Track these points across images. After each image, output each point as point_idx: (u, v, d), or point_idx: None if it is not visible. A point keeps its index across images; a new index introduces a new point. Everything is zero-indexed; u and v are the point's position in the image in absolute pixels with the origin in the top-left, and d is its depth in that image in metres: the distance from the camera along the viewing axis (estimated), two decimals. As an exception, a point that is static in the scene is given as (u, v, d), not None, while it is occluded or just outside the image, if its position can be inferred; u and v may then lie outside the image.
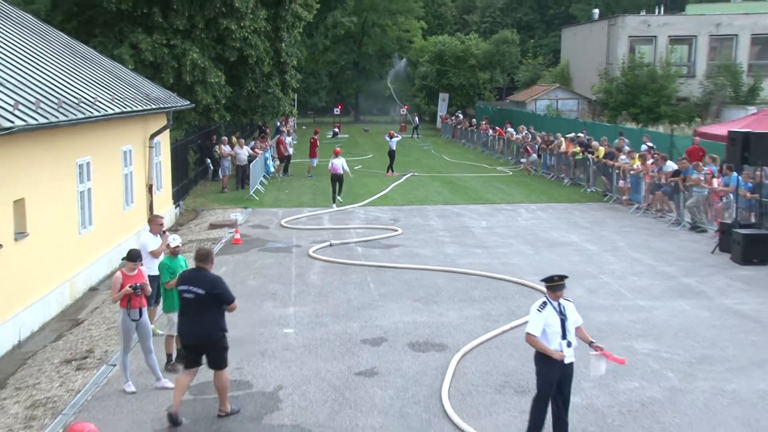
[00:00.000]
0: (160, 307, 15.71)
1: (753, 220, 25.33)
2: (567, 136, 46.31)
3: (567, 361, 11.69)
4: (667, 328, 17.89)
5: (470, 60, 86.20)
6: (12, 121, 15.77)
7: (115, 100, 24.04)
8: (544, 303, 11.72)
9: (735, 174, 26.50)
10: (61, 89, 21.22)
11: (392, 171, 46.54)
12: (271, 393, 14.25)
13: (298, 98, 71.09)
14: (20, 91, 18.33)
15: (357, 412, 13.43)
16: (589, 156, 39.94)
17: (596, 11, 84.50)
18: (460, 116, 76.24)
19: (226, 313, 13.18)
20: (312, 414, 13.38)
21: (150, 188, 28.33)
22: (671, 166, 31.89)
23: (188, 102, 34.29)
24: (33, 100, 18.17)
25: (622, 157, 36.47)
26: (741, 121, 40.49)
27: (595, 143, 41.75)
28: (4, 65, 19.63)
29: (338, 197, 37.05)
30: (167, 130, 30.58)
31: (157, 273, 15.62)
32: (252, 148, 41.46)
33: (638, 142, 41.17)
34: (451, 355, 15.92)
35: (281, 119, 56.90)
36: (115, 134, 24.66)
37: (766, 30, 68.10)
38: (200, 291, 12.83)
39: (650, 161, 33.78)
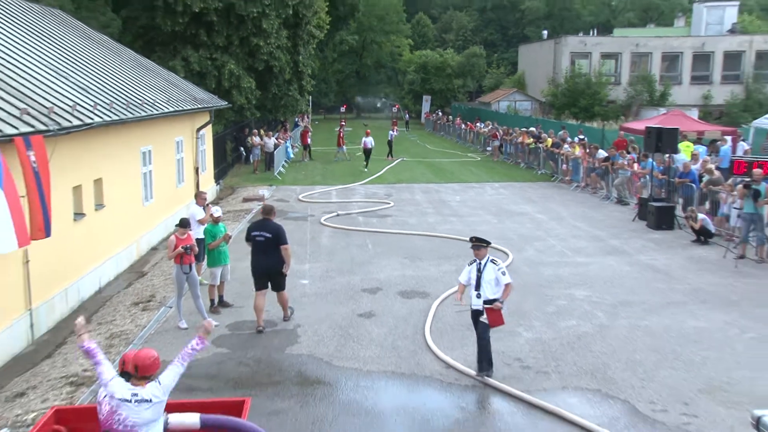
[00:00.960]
0: (204, 263, 15.63)
1: (663, 195, 25.38)
2: (523, 129, 46.49)
3: (474, 307, 11.96)
4: (597, 279, 18.00)
5: (447, 69, 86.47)
6: (92, 119, 16.28)
7: (170, 101, 24.39)
8: (473, 260, 12.02)
9: (650, 160, 26.52)
10: (129, 93, 21.54)
11: (391, 156, 46.31)
12: (291, 330, 14.35)
13: (312, 99, 71.05)
14: (98, 94, 18.77)
15: (358, 345, 13.57)
16: (540, 145, 40.07)
17: (545, 32, 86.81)
18: (440, 113, 76.44)
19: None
20: (323, 346, 13.49)
21: (196, 170, 28.31)
22: (602, 153, 32.08)
23: (226, 102, 34.55)
24: (108, 101, 18.60)
25: (566, 146, 36.63)
26: (654, 119, 40.49)
27: (544, 135, 42.18)
28: (85, 74, 20.11)
29: (366, 165, 40.87)
30: (210, 125, 30.64)
31: (202, 236, 15.71)
32: (276, 139, 41.38)
33: (576, 135, 41.28)
34: (432, 300, 16.02)
35: (299, 116, 57.32)
36: (170, 128, 24.74)
37: (672, 50, 70.31)
38: (268, 235, 14.31)
39: (577, 150, 34.05)
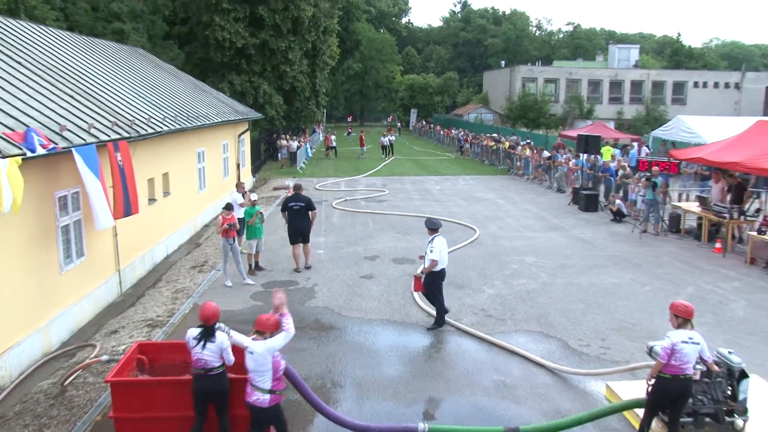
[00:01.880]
0: (244, 236, 15.63)
1: (590, 185, 25.34)
2: (487, 135, 46.40)
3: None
4: (542, 248, 17.88)
5: (429, 89, 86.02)
6: (162, 128, 16.31)
7: (218, 114, 24.19)
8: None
9: (581, 158, 26.47)
10: (188, 108, 21.44)
11: (392, 154, 46.08)
12: (309, 288, 14.25)
13: (326, 112, 70.87)
14: (166, 109, 18.78)
15: (361, 299, 13.47)
16: (500, 147, 39.88)
17: (503, 62, 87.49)
18: (423, 122, 76.09)
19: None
20: (335, 300, 13.41)
21: (238, 166, 28.12)
22: (546, 153, 31.93)
23: (260, 114, 34.38)
24: (173, 115, 18.61)
25: (519, 148, 36.54)
26: (583, 128, 40.60)
27: (503, 139, 41.91)
28: (157, 95, 20.10)
29: (383, 156, 43.55)
30: (248, 132, 30.38)
31: (242, 216, 15.59)
32: (298, 142, 41.24)
33: (525, 139, 41.31)
34: (419, 266, 15.88)
35: (316, 124, 57.23)
36: (218, 134, 24.52)
37: (595, 77, 72.04)
38: (302, 204, 15.30)
39: (527, 151, 34.00)
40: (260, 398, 7.08)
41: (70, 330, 11.60)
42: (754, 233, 16.32)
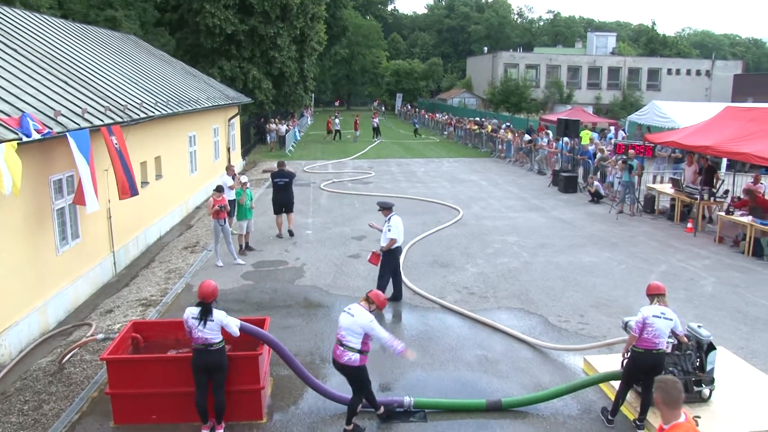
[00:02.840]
0: (235, 217, 15.57)
1: (569, 167, 25.43)
2: (470, 119, 46.34)
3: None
4: (523, 228, 17.95)
5: (414, 74, 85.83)
6: (153, 112, 16.10)
7: (209, 99, 23.92)
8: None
9: (561, 142, 26.53)
10: (181, 93, 21.23)
11: (379, 137, 46.11)
12: (299, 267, 14.24)
13: (314, 96, 70.47)
14: (158, 94, 18.54)
15: (348, 277, 13.50)
16: (483, 131, 39.85)
17: (486, 49, 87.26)
18: (408, 107, 75.81)
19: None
20: (323, 279, 13.42)
21: (228, 149, 27.94)
22: (527, 137, 31.92)
23: (250, 99, 34.02)
24: (165, 99, 18.40)
25: (501, 131, 36.53)
26: (563, 113, 40.67)
27: (485, 123, 41.81)
28: (149, 80, 19.82)
29: (374, 138, 44.23)
30: (238, 116, 30.12)
31: (233, 198, 15.55)
32: (287, 126, 41.03)
33: (512, 124, 41.27)
34: (404, 245, 15.85)
35: (304, 108, 56.98)
36: (209, 118, 24.36)
37: (574, 64, 72.05)
38: (286, 179, 16.62)
39: (509, 134, 34.01)
40: (351, 358, 7.33)
41: (66, 310, 11.55)
42: (723, 213, 16.48)
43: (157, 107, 16.78)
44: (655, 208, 20.12)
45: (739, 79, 61.56)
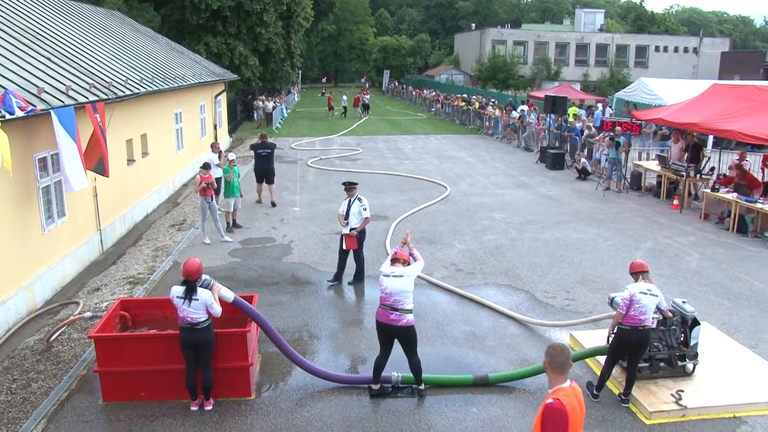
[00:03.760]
0: (222, 195, 15.50)
1: (557, 144, 25.46)
2: (458, 95, 46.21)
3: (343, 232, 11.55)
4: (510, 205, 18.00)
5: (402, 51, 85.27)
6: (139, 89, 15.86)
7: (195, 75, 23.70)
8: (346, 198, 11.62)
9: (549, 119, 26.50)
10: (166, 69, 20.98)
11: (368, 113, 45.91)
12: (286, 244, 14.23)
13: (301, 73, 69.93)
14: (143, 71, 18.28)
15: (335, 254, 13.15)
16: (470, 107, 39.74)
17: (473, 25, 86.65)
18: (396, 83, 75.46)
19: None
20: (310, 256, 13.42)
21: (215, 126, 27.70)
22: (515, 114, 31.87)
23: (236, 75, 33.82)
24: (150, 76, 18.13)
25: (489, 108, 36.45)
26: (551, 90, 40.73)
27: (473, 99, 41.71)
28: (134, 57, 19.54)
29: (362, 114, 44.43)
30: (224, 93, 29.92)
31: (220, 175, 15.54)
32: (274, 103, 40.75)
33: (501, 101, 41.16)
34: (391, 222, 15.95)
35: (291, 85, 56.62)
36: (195, 95, 24.12)
37: (562, 40, 71.94)
38: (268, 150, 17.71)
39: (497, 111, 33.87)
40: (408, 318, 7.50)
41: (53, 288, 11.49)
42: (708, 190, 16.57)
43: (142, 84, 16.57)
44: (642, 185, 20.20)
45: (727, 56, 61.66)
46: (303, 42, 54.10)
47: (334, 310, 10.61)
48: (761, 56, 57.98)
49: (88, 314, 9.45)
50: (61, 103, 11.04)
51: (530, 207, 17.83)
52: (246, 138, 33.63)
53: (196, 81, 22.75)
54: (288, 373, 8.41)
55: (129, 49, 20.25)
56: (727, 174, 17.24)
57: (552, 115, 26.03)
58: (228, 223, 15.34)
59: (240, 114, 39.60)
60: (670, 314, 7.95)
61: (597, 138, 22.85)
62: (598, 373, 8.02)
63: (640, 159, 22.90)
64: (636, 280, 7.63)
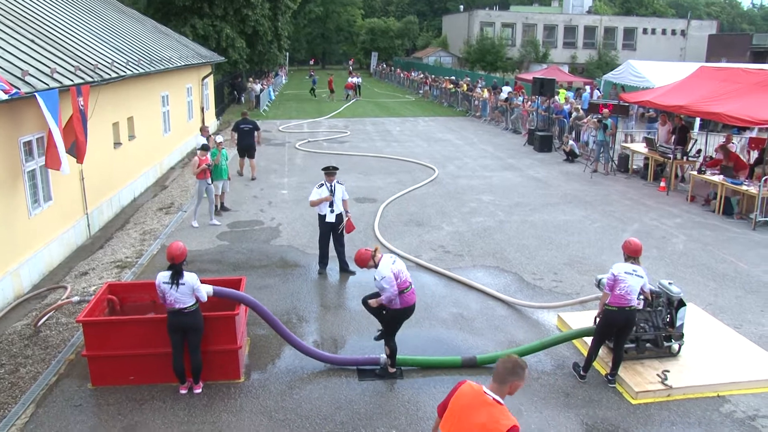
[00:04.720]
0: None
1: (545, 126, 25.46)
2: (446, 78, 46.05)
3: (328, 220, 11.27)
4: (499, 187, 18.02)
5: (390, 33, 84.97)
6: (125, 72, 15.64)
7: (182, 58, 23.43)
8: (321, 183, 11.25)
9: (537, 101, 26.48)
10: (153, 52, 20.74)
11: (359, 96, 45.67)
12: (275, 227, 14.19)
13: (289, 55, 69.47)
14: (129, 53, 18.05)
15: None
16: (458, 89, 39.62)
17: (462, 7, 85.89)
18: (384, 65, 75.06)
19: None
20: (298, 239, 13.39)
21: (202, 109, 27.49)
22: (503, 95, 31.84)
23: (224, 58, 33.42)
24: (136, 59, 17.91)
25: (477, 89, 36.35)
26: (539, 72, 40.65)
27: (461, 82, 41.63)
28: (119, 39, 19.27)
29: (352, 96, 44.36)
30: (211, 75, 29.63)
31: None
32: (261, 85, 40.47)
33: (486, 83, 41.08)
34: (379, 204, 15.93)
35: (279, 68, 56.29)
36: (182, 77, 23.89)
37: (551, 22, 71.50)
38: (250, 126, 18.82)
39: (485, 93, 33.76)
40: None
41: (40, 273, 11.41)
42: (695, 173, 16.66)
43: (128, 66, 16.37)
44: (629, 167, 20.27)
45: (714, 39, 61.72)
46: (290, 24, 53.71)
47: (322, 292, 10.61)
48: (748, 39, 58.08)
49: (76, 298, 9.40)
50: (46, 86, 10.89)
51: (518, 189, 17.85)
52: (234, 120, 33.31)
53: (183, 63, 22.52)
54: (277, 356, 8.42)
55: (115, 31, 19.98)
56: (714, 156, 17.32)
57: (540, 98, 26.01)
58: (216, 207, 15.27)
59: (227, 96, 39.32)
60: (649, 295, 7.98)
61: (585, 120, 22.88)
62: (585, 354, 8.09)
63: (625, 141, 22.97)
64: (625, 260, 7.67)
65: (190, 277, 7.20)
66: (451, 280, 11.10)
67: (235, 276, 9.44)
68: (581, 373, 7.86)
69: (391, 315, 7.69)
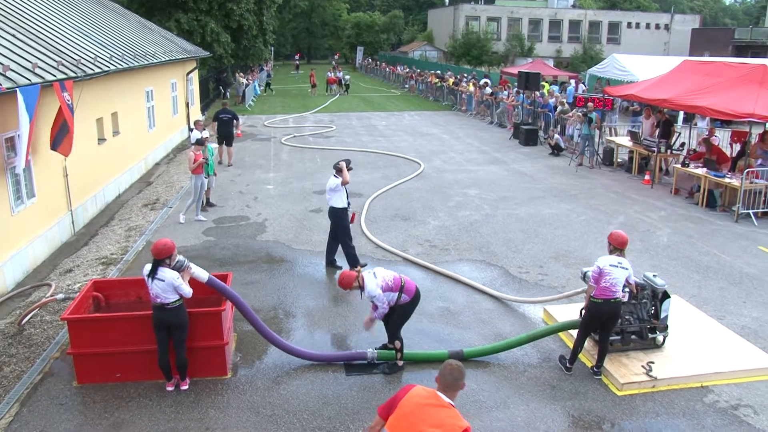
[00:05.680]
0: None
1: (530, 120, 25.51)
2: (431, 72, 46.00)
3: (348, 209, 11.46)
4: (484, 181, 18.04)
5: (375, 27, 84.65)
6: (109, 67, 15.46)
7: (166, 53, 23.20)
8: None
9: (522, 95, 26.53)
10: (137, 47, 20.52)
11: (345, 92, 45.41)
12: (261, 222, 14.13)
13: (274, 50, 69.13)
14: (113, 48, 17.81)
15: (310, 232, 13.42)
16: (444, 84, 39.61)
17: (447, 1, 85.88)
18: (369, 60, 74.89)
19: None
20: (285, 234, 13.33)
21: (187, 104, 27.29)
22: (488, 90, 31.85)
23: (209, 53, 33.30)
24: (120, 54, 17.66)
25: (463, 84, 36.37)
26: (524, 66, 40.71)
27: (446, 76, 41.55)
28: (103, 34, 19.02)
29: (337, 90, 44.50)
30: (196, 70, 29.37)
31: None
32: (246, 80, 40.26)
33: (474, 77, 41.05)
34: (366, 199, 15.91)
35: (264, 62, 56.03)
36: (166, 72, 23.71)
37: (536, 17, 71.69)
38: (229, 115, 20.01)
39: (471, 87, 33.78)
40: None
41: (24, 270, 11.30)
42: (679, 166, 16.78)
43: (112, 61, 16.21)
44: (614, 160, 20.38)
45: (697, 33, 62.11)
46: (275, 18, 53.41)
47: (309, 287, 10.59)
48: (730, 33, 58.48)
49: (61, 296, 9.32)
50: (27, 81, 10.75)
51: (504, 183, 17.90)
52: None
53: (168, 58, 22.34)
54: (264, 352, 8.39)
55: (98, 26, 19.77)
56: (697, 150, 17.45)
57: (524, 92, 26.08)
58: (202, 202, 15.20)
59: (212, 91, 39.08)
60: (634, 288, 8.03)
61: (570, 114, 22.96)
62: (571, 346, 8.13)
63: (610, 134, 23.08)
64: (609, 252, 7.71)
65: (170, 274, 7.12)
66: (437, 274, 11.11)
67: (221, 272, 9.40)
68: (567, 365, 7.90)
69: (403, 309, 7.78)
